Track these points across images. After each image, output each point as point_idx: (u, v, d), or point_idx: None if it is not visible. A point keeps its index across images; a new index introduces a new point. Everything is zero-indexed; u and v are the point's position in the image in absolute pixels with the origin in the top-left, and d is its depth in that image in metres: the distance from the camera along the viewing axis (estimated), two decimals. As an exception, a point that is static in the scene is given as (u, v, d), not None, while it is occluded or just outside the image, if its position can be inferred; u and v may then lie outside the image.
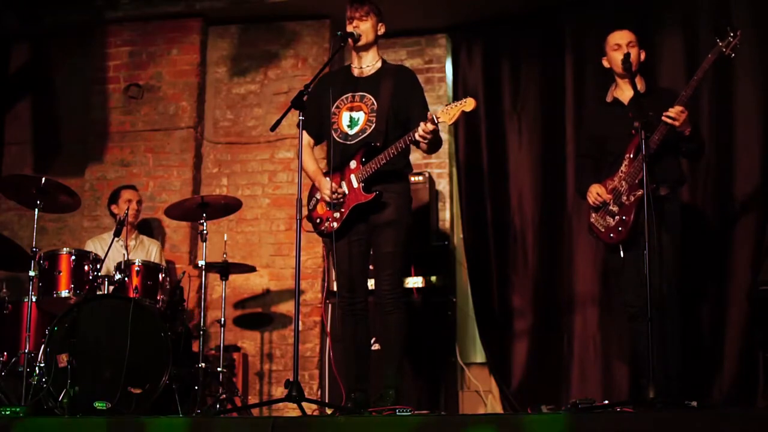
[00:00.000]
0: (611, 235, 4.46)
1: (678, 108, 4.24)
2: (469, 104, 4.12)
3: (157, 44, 6.74)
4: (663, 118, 4.24)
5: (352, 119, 4.41)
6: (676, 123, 4.24)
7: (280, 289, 6.36)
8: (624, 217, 4.40)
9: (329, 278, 6.16)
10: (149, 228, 6.44)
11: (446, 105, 4.19)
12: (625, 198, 4.40)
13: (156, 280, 5.24)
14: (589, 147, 4.79)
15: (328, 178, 4.36)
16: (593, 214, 4.56)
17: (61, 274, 5.07)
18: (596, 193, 4.50)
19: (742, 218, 5.49)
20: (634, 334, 4.51)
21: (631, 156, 4.40)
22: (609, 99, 4.67)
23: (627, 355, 5.50)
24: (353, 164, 4.34)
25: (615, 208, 4.44)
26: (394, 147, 4.23)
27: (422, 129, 4.12)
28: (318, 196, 4.48)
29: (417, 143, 4.24)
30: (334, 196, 4.30)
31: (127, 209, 5.53)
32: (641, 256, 4.16)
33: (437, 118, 4.12)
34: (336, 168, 4.39)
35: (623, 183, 4.41)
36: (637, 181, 4.34)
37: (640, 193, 4.30)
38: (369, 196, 4.29)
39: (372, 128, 4.34)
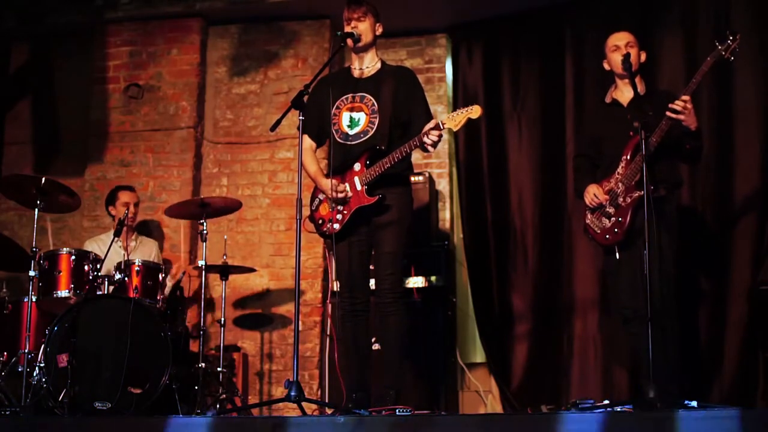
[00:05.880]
0: (607, 236, 4.46)
1: (685, 98, 4.17)
2: (475, 111, 4.16)
3: (157, 44, 6.73)
4: (668, 111, 4.19)
5: (353, 119, 4.41)
6: (681, 117, 4.19)
7: (280, 289, 6.36)
8: (620, 219, 4.39)
9: (329, 278, 6.16)
10: (149, 228, 6.44)
11: (452, 111, 4.23)
12: (621, 200, 4.39)
13: (156, 280, 5.23)
14: (587, 147, 4.79)
15: (328, 180, 4.35)
16: (589, 215, 4.55)
17: (61, 274, 5.06)
18: (593, 193, 4.49)
19: (742, 218, 5.48)
20: (629, 337, 4.51)
21: (628, 158, 4.39)
22: (608, 100, 4.67)
23: (627, 356, 5.49)
24: (357, 167, 4.34)
25: (611, 210, 4.43)
26: (399, 151, 4.23)
27: (430, 137, 4.13)
28: (321, 197, 4.47)
29: (424, 148, 4.25)
30: (338, 195, 4.30)
31: (126, 211, 5.53)
32: (636, 257, 4.15)
33: (443, 124, 4.15)
34: (337, 169, 4.38)
35: (620, 185, 4.40)
36: (633, 183, 4.33)
37: (636, 194, 4.30)
38: (372, 199, 4.29)
39: (374, 130, 4.35)
